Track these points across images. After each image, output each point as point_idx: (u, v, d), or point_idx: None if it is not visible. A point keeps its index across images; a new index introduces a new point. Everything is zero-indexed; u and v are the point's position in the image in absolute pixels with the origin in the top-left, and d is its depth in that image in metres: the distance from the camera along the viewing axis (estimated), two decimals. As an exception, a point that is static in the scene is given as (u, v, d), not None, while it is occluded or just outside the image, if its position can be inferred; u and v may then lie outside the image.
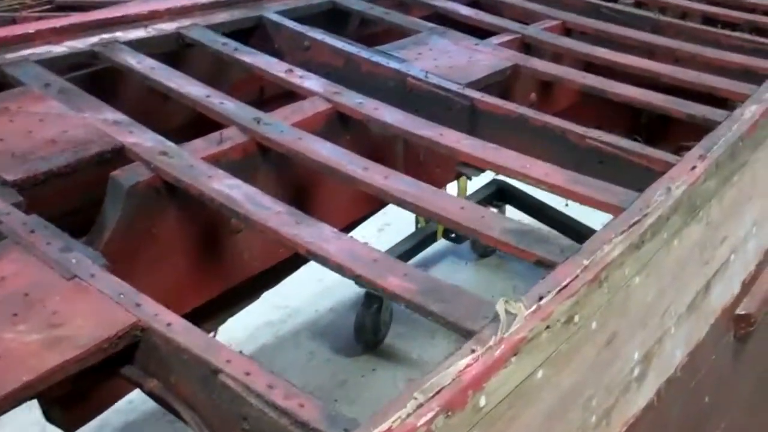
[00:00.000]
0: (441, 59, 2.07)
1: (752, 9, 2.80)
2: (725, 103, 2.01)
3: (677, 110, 1.85)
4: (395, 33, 2.30)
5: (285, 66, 1.92)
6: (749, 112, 1.80)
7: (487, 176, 3.99)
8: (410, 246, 3.96)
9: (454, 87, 1.89)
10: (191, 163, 1.47)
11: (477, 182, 4.03)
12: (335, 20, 2.42)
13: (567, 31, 2.47)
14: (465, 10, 2.47)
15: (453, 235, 4.64)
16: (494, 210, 4.85)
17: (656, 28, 2.53)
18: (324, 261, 1.26)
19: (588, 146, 1.70)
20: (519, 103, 2.06)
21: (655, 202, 1.43)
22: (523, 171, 1.55)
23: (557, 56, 2.29)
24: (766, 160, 1.88)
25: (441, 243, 4.48)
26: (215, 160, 1.52)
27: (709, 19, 2.74)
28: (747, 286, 1.81)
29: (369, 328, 3.66)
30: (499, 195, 4.72)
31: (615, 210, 1.44)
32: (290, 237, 1.30)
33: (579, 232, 4.68)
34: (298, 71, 1.90)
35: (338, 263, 1.25)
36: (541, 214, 4.49)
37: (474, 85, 1.95)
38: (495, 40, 2.26)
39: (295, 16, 2.27)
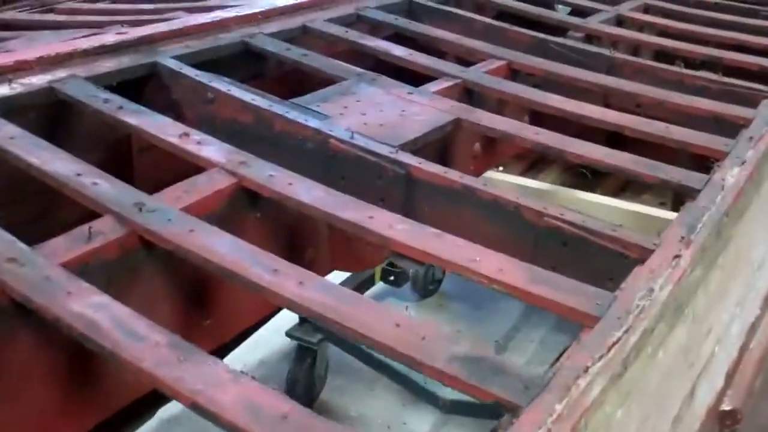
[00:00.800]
0: (370, 114, 1.78)
1: (719, 44, 2.59)
2: (699, 159, 1.77)
3: (649, 175, 1.59)
4: (321, 79, 2.00)
5: (179, 129, 1.60)
6: (731, 177, 1.55)
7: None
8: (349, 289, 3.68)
9: (385, 151, 1.60)
10: (47, 274, 1.15)
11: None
12: (249, 64, 2.12)
13: (513, 72, 2.20)
14: (398, 51, 2.18)
15: (392, 278, 4.42)
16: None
17: (612, 68, 2.29)
18: (215, 418, 0.96)
19: (548, 226, 1.43)
20: (461, 162, 1.80)
21: (637, 308, 1.17)
22: (473, 267, 1.26)
23: (503, 103, 2.03)
24: (748, 230, 1.64)
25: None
26: (82, 265, 1.21)
27: (665, 54, 2.52)
28: (730, 378, 1.56)
29: (302, 385, 3.41)
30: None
31: (588, 319, 1.16)
32: (170, 383, 0.99)
33: None
34: (196, 135, 1.59)
35: (233, 422, 0.94)
36: None
37: (409, 146, 1.67)
38: (432, 87, 1.98)
39: (198, 61, 1.95)
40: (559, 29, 2.60)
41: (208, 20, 2.12)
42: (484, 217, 1.50)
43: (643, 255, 1.32)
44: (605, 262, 1.37)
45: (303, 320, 3.59)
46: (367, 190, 1.60)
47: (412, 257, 1.33)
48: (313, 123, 1.69)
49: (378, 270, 4.40)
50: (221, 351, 1.45)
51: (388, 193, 1.59)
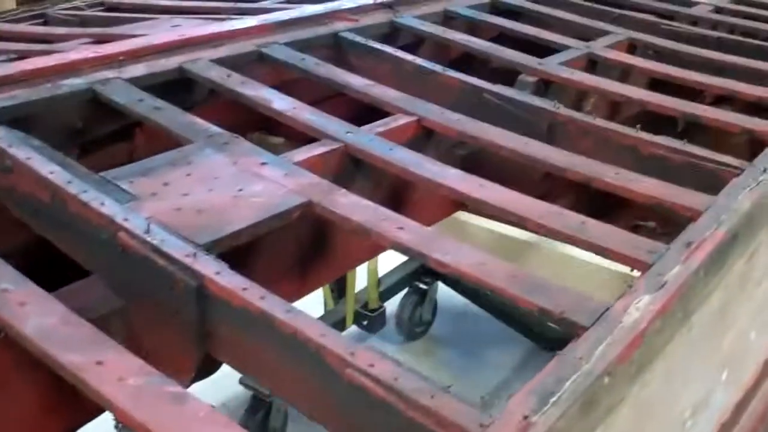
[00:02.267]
0: (195, 194, 1.42)
1: (696, 92, 2.17)
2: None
3: (523, 299, 1.20)
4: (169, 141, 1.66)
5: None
6: (635, 311, 1.16)
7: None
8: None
9: (181, 253, 1.24)
10: None
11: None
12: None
13: (425, 132, 1.83)
14: (281, 103, 1.82)
15: (366, 323, 4.13)
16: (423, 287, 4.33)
17: (553, 126, 1.90)
18: None
19: (351, 381, 1.05)
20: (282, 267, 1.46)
21: None
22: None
23: (386, 179, 1.66)
24: (656, 395, 1.25)
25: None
26: None
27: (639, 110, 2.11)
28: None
29: (253, 438, 3.15)
30: (428, 270, 4.32)
31: None
32: None
33: (526, 324, 4.14)
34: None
35: None
36: (479, 296, 4.08)
37: (226, 242, 1.31)
38: (301, 153, 1.61)
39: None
40: (513, 72, 2.21)
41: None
42: (285, 356, 1.13)
43: (464, 441, 0.94)
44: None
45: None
46: (160, 304, 1.26)
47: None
48: (109, 208, 1.34)
49: (350, 312, 4.08)
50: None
51: (181, 309, 1.24)
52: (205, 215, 1.36)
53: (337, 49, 2.26)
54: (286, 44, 2.13)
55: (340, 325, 4.04)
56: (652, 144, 1.77)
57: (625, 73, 2.35)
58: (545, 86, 2.15)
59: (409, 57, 2.15)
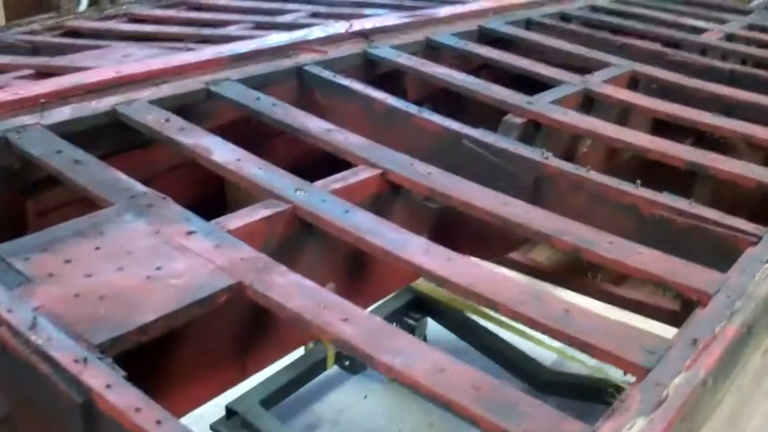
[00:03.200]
0: (101, 274, 1.20)
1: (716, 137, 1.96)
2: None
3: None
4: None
5: None
6: None
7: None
8: (295, 375, 3.44)
9: (69, 357, 1.03)
10: None
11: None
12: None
13: (391, 188, 1.61)
14: (221, 155, 1.60)
15: (347, 362, 3.94)
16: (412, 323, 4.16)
17: (541, 180, 1.68)
18: None
19: None
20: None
21: None
22: None
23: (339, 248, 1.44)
24: None
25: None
26: None
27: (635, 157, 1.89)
28: None
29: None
30: (416, 305, 4.13)
31: None
32: None
33: (512, 361, 3.92)
34: None
35: None
36: (469, 333, 3.85)
37: (131, 338, 1.09)
38: (237, 219, 1.39)
39: None
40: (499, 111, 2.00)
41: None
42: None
43: None
44: None
45: (230, 414, 3.13)
46: (46, 416, 1.04)
47: None
48: (-5, 293, 1.13)
49: (331, 353, 3.87)
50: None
51: (66, 428, 1.02)
52: (108, 303, 1.14)
53: (301, 85, 2.05)
54: (241, 80, 1.92)
55: (320, 366, 3.84)
56: (654, 204, 1.55)
57: (624, 112, 2.13)
58: (535, 128, 1.94)
59: (380, 95, 1.93)
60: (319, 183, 1.53)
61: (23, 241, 1.27)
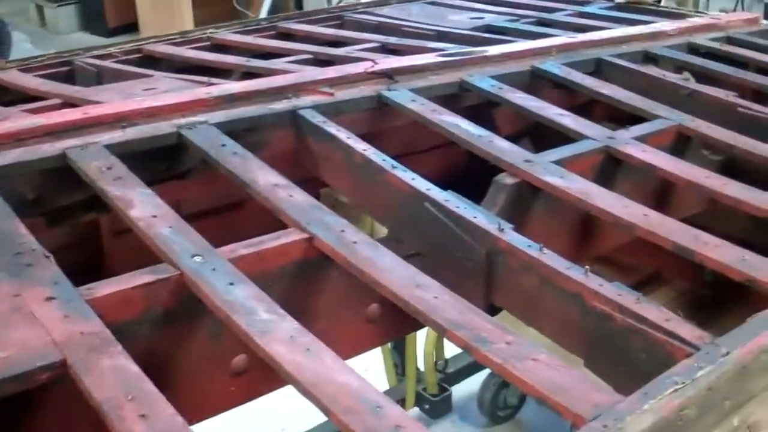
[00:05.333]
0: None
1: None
2: None
3: None
4: None
5: None
6: None
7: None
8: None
9: None
10: None
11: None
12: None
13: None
14: (137, 210, 1.56)
15: (427, 406, 3.86)
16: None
17: (493, 253, 1.54)
18: None
19: None
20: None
21: None
22: None
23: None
24: None
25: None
26: None
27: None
28: None
29: None
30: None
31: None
32: None
33: None
34: None
35: None
36: None
37: None
38: (108, 286, 1.35)
39: None
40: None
41: None
42: None
43: None
44: None
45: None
46: None
47: None
48: None
49: (411, 394, 3.79)
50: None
51: None
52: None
53: (297, 131, 1.99)
54: (222, 124, 1.88)
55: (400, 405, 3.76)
56: (597, 295, 1.37)
57: (651, 178, 1.92)
58: (532, 191, 1.78)
59: (360, 147, 1.84)
60: (227, 248, 1.46)
61: None
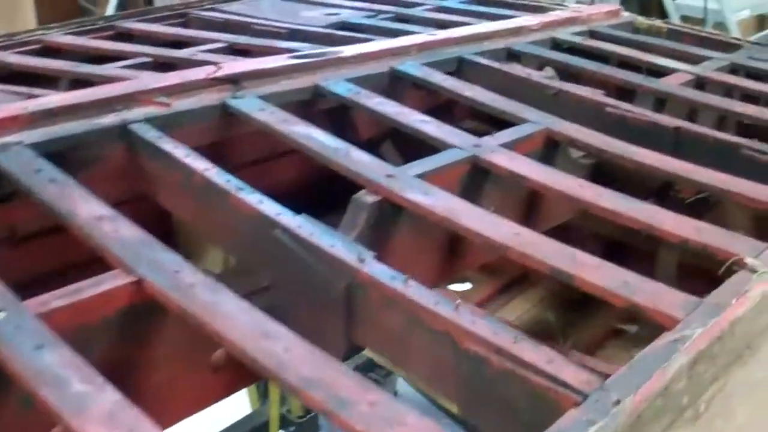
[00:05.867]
0: None
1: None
2: None
3: None
4: None
5: None
6: None
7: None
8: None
9: None
10: None
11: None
12: None
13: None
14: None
15: (293, 429, 3.67)
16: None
17: (353, 288, 1.36)
18: None
19: None
20: None
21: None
22: None
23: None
24: None
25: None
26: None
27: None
28: None
29: None
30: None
31: None
32: None
33: None
34: None
35: None
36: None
37: None
38: None
39: None
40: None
41: None
42: None
43: None
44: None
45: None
46: None
47: None
48: None
49: (275, 417, 3.59)
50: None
51: None
52: None
53: (128, 149, 1.76)
54: (39, 145, 1.64)
55: (263, 431, 3.57)
56: (469, 335, 1.22)
57: (522, 189, 1.79)
58: (394, 211, 1.61)
59: (200, 166, 1.63)
60: (35, 301, 1.23)
61: None
